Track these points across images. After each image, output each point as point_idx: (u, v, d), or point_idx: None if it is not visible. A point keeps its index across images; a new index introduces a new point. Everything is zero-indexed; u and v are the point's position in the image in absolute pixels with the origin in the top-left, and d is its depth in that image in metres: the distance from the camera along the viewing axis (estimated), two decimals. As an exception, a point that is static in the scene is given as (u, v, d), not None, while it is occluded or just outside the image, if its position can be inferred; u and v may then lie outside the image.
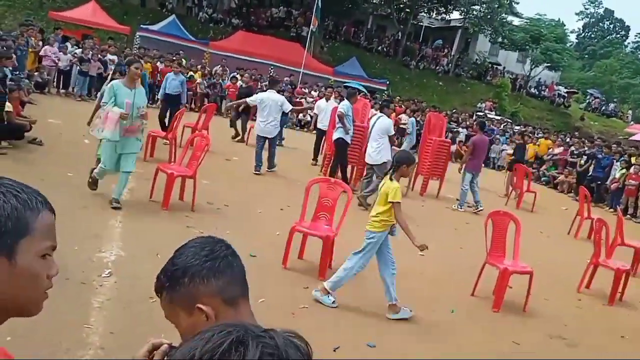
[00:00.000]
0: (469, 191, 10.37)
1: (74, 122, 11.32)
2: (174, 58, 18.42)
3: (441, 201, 10.87)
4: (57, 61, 14.95)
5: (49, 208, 1.05)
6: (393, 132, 9.49)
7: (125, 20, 25.35)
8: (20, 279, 0.99)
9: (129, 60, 6.87)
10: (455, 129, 20.00)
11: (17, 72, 11.84)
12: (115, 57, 16.23)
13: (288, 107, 10.47)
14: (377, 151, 8.99)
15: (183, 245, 1.31)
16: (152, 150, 9.46)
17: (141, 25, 23.96)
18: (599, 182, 15.39)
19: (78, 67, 15.13)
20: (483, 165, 11.26)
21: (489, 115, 26.36)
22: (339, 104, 11.13)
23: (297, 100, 19.87)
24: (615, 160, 15.66)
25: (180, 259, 1.25)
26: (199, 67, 19.55)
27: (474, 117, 24.24)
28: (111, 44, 17.61)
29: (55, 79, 15.31)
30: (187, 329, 1.23)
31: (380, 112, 9.54)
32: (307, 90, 20.98)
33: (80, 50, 15.55)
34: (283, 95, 11.91)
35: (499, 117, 26.31)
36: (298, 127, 19.28)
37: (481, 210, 9.94)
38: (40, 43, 15.39)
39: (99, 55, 15.75)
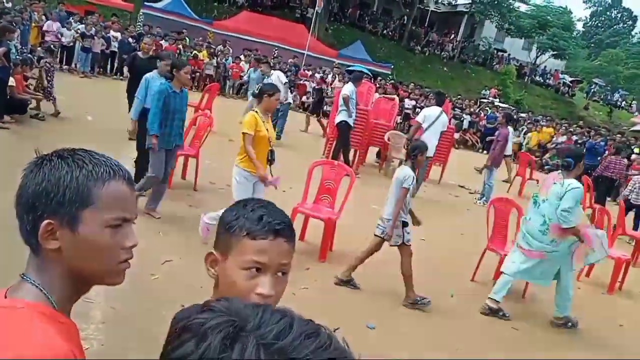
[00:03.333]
0: (494, 186, 10.03)
1: (76, 98, 11.28)
2: (178, 37, 18.32)
3: (443, 187, 10.86)
4: (60, 37, 14.83)
5: (124, 179, 1.04)
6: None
7: (129, -3, 25.11)
8: (86, 249, 1.00)
9: None
10: (459, 116, 19.91)
11: (21, 47, 11.75)
12: (118, 34, 16.12)
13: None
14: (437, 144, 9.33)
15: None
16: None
17: (145, 3, 23.74)
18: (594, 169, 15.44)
19: (81, 44, 15.02)
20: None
21: (495, 103, 26.23)
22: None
23: (301, 82, 19.76)
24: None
25: None
26: (204, 46, 19.37)
27: (478, 104, 24.14)
28: (115, 21, 17.47)
29: (58, 55, 15.20)
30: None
31: (438, 105, 9.55)
32: (310, 73, 20.84)
33: (83, 26, 15.43)
34: (286, 76, 12.64)
35: (503, 105, 26.16)
36: (301, 110, 19.18)
37: (482, 205, 9.67)
38: (44, 17, 15.26)
39: (103, 32, 15.63)
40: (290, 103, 11.58)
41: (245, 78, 13.00)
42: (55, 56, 11.49)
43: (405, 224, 4.85)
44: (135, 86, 7.05)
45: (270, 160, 5.26)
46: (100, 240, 1.00)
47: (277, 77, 11.00)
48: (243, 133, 5.00)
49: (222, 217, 1.20)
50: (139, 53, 8.28)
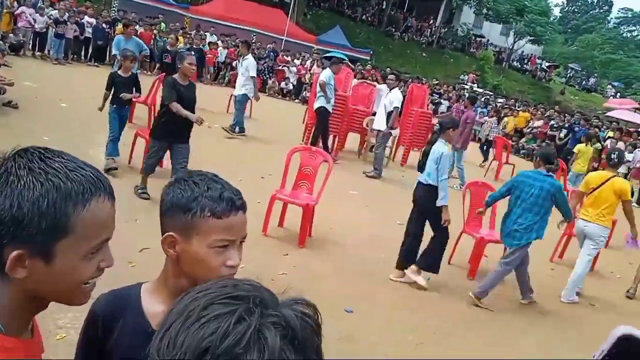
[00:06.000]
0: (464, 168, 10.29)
1: (50, 85, 11.10)
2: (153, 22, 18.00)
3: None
4: (33, 23, 14.50)
5: (105, 192, 0.91)
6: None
7: (103, -19, 24.55)
8: (59, 280, 0.88)
9: None
10: (437, 101, 20.01)
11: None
12: (92, 20, 15.81)
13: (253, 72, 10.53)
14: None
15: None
16: (131, 116, 9.30)
17: (119, -13, 23.28)
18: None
19: (54, 30, 14.71)
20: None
21: (473, 88, 26.41)
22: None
23: (279, 68, 19.65)
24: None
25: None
26: (179, 32, 19.08)
27: (456, 89, 24.29)
28: (88, 6, 17.13)
29: (30, 41, 14.88)
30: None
31: (385, 82, 10.03)
32: (289, 59, 20.73)
33: (56, 12, 15.10)
34: (265, 62, 12.07)
35: (481, 90, 26.37)
36: (280, 96, 19.09)
37: (457, 189, 9.71)
38: (16, 4, 14.90)
39: (76, 18, 15.32)
40: (246, 94, 10.41)
41: (114, 51, 10.42)
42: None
43: None
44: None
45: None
46: (77, 270, 0.89)
47: (248, 66, 10.32)
48: (628, 201, 5.65)
49: (172, 199, 1.20)
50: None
